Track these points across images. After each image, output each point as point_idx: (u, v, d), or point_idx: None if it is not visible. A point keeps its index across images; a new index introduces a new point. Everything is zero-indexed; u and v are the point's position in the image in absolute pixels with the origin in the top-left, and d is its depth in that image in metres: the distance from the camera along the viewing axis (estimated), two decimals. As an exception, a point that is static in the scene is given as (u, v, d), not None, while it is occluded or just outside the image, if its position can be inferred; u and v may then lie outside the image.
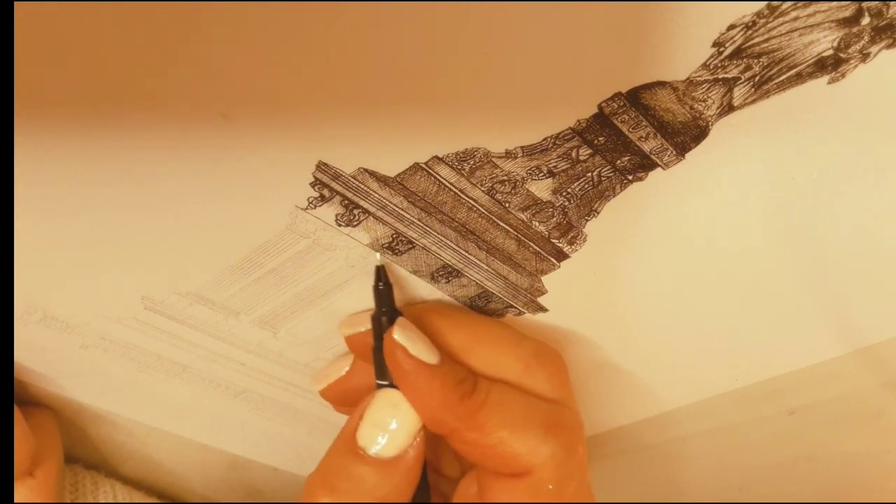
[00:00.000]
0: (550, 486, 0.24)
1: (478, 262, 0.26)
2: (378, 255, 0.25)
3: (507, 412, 0.25)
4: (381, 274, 0.25)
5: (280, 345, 0.29)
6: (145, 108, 0.20)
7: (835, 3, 0.18)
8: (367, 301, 0.27)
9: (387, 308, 0.25)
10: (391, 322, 0.25)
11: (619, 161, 0.22)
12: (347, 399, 0.28)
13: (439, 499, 0.29)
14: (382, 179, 0.22)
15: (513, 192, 0.23)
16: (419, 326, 0.25)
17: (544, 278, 0.26)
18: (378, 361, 0.25)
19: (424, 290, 0.27)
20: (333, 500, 0.24)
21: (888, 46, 0.19)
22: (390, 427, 0.24)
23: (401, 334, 0.24)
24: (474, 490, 0.27)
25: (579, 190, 0.23)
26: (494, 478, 0.25)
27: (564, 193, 0.23)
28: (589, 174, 0.23)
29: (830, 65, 0.19)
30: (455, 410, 0.24)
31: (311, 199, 0.23)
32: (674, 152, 0.22)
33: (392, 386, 0.25)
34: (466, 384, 0.24)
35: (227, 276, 0.26)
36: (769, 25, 0.18)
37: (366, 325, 0.26)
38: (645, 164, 0.22)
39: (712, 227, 0.24)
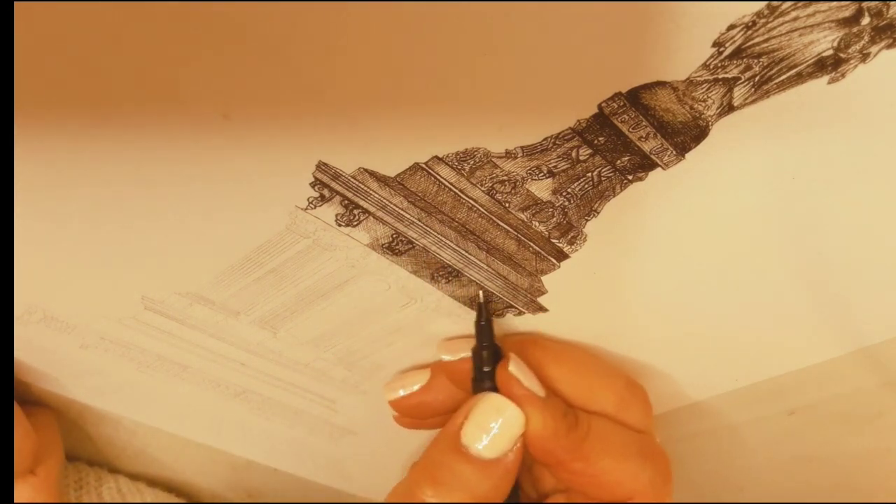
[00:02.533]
0: None
1: (478, 262, 0.26)
2: (481, 292, 0.27)
3: (608, 443, 0.26)
4: (482, 310, 0.27)
5: (280, 345, 0.29)
6: (145, 109, 0.20)
7: (835, 3, 0.18)
8: (367, 301, 0.27)
9: (488, 343, 0.27)
10: (491, 356, 0.27)
11: (619, 161, 0.22)
12: (415, 412, 0.30)
13: None
14: (382, 179, 0.22)
15: (513, 192, 0.23)
16: (522, 358, 0.27)
17: (544, 278, 0.26)
18: (476, 390, 0.27)
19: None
20: (436, 492, 0.25)
21: (888, 46, 0.19)
22: (493, 429, 0.25)
23: (515, 367, 0.26)
24: None
25: (579, 190, 0.23)
26: None
27: (564, 193, 0.23)
28: (589, 174, 0.23)
29: (830, 65, 0.19)
30: (563, 442, 0.25)
31: (311, 199, 0.23)
32: (674, 152, 0.22)
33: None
34: (570, 417, 0.26)
35: (227, 276, 0.26)
36: (769, 25, 0.18)
37: (464, 353, 0.28)
38: (645, 164, 0.22)
39: (712, 226, 0.24)
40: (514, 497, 0.27)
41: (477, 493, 0.25)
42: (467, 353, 0.28)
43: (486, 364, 0.27)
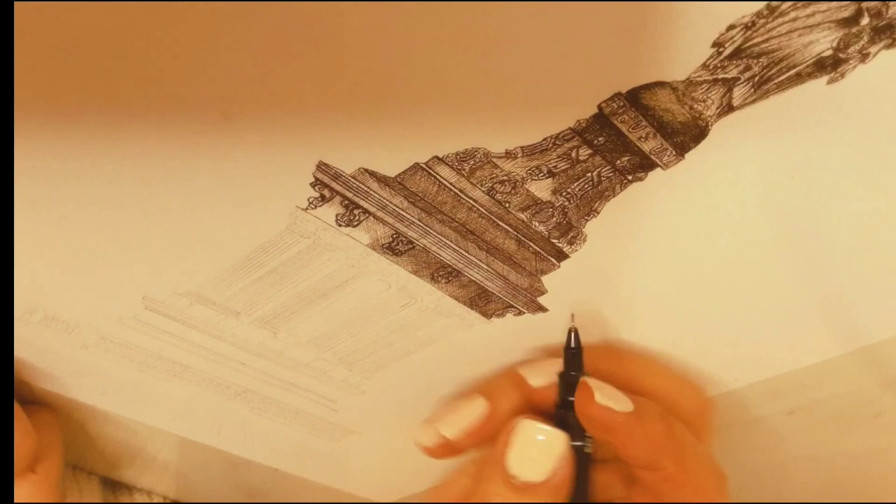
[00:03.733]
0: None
1: (478, 262, 0.26)
2: (573, 314, 0.27)
3: (689, 443, 0.27)
4: (573, 337, 0.27)
5: (280, 345, 0.29)
6: (146, 109, 0.20)
7: (834, 3, 0.18)
8: (368, 301, 0.27)
9: (576, 372, 0.27)
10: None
11: (618, 161, 0.22)
12: (483, 440, 0.29)
13: None
14: (382, 179, 0.22)
15: (513, 192, 0.23)
16: (598, 375, 0.27)
17: (544, 278, 0.26)
18: (559, 416, 0.27)
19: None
20: None
21: (887, 46, 0.19)
22: (537, 454, 0.26)
23: (602, 396, 0.26)
24: None
25: (579, 190, 0.23)
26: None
27: (564, 193, 0.23)
28: (589, 174, 0.23)
29: (830, 65, 0.19)
30: (667, 448, 0.26)
31: (311, 200, 0.23)
32: (673, 152, 0.22)
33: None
34: (668, 415, 0.26)
35: (227, 276, 0.26)
36: (769, 26, 0.18)
37: (551, 379, 0.28)
38: (645, 165, 0.22)
39: (712, 226, 0.24)
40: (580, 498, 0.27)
41: None
42: (554, 380, 0.28)
43: (573, 393, 0.27)
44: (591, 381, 0.26)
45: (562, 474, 0.26)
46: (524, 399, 0.29)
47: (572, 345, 0.27)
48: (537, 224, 0.24)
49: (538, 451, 0.26)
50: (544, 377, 0.28)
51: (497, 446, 0.27)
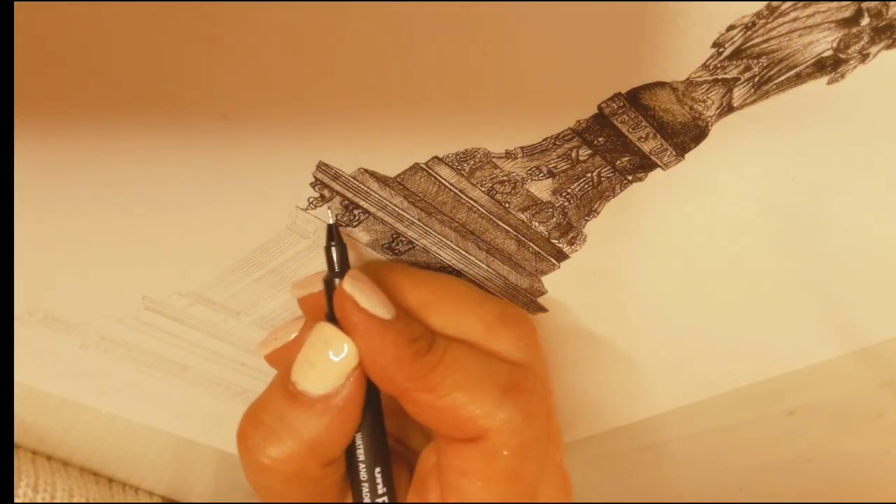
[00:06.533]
0: (505, 453, 0.23)
1: (478, 262, 0.26)
2: (329, 212, 0.23)
3: (464, 373, 0.23)
4: (332, 232, 0.23)
5: (280, 345, 0.29)
6: (145, 109, 0.20)
7: (834, 3, 0.18)
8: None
9: (340, 269, 0.23)
10: None
11: (618, 161, 0.22)
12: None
13: (405, 470, 0.27)
14: (382, 180, 0.22)
15: (513, 192, 0.23)
16: (376, 282, 0.24)
17: (544, 278, 0.26)
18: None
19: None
20: (259, 435, 0.23)
21: (888, 47, 0.19)
22: (321, 363, 0.23)
23: (351, 286, 0.23)
24: (433, 460, 0.25)
25: (579, 190, 0.23)
26: (448, 443, 0.24)
27: (564, 194, 0.23)
28: (589, 174, 0.23)
29: (830, 65, 0.19)
30: (406, 369, 0.22)
31: (311, 200, 0.23)
32: (673, 153, 0.22)
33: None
34: (421, 342, 0.23)
35: (227, 276, 0.26)
36: (769, 26, 0.18)
37: (318, 287, 0.25)
38: (645, 165, 0.22)
39: (712, 227, 0.24)
40: (377, 451, 0.24)
41: (305, 436, 0.23)
42: (320, 286, 0.24)
43: None
44: (355, 273, 0.23)
45: (346, 395, 0.23)
46: (309, 314, 0.26)
47: (332, 243, 0.23)
48: (537, 224, 0.24)
49: (324, 360, 0.23)
50: (307, 287, 0.25)
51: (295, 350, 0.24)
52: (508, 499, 0.23)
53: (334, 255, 0.23)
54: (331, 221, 0.23)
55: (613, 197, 0.23)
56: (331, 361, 0.23)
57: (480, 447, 0.23)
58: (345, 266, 0.24)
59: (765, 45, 0.19)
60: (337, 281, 0.23)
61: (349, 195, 0.23)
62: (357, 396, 0.23)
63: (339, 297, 0.23)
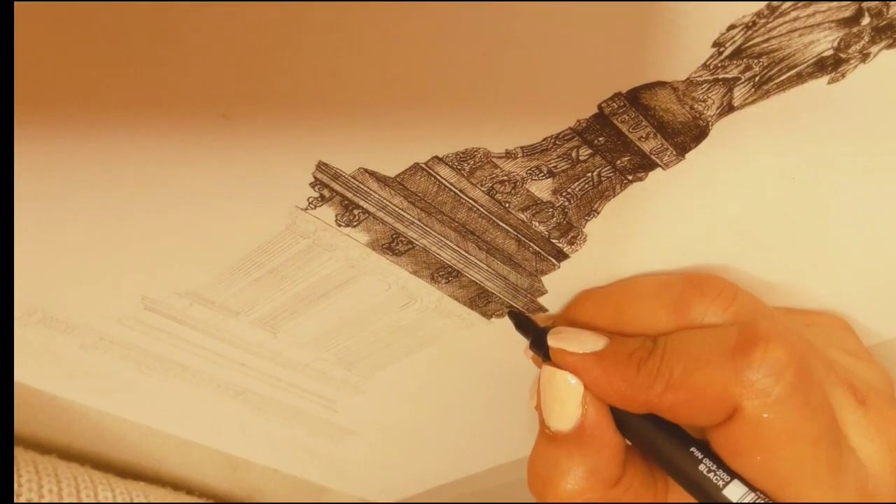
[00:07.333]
0: (766, 415, 0.22)
1: (478, 262, 0.26)
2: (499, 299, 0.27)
3: (687, 357, 0.23)
4: (513, 317, 0.28)
5: (280, 345, 0.29)
6: (145, 109, 0.20)
7: (835, 3, 0.18)
8: (367, 301, 0.27)
9: (537, 335, 0.26)
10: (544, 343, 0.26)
11: (619, 161, 0.22)
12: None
13: None
14: (382, 179, 0.22)
15: (513, 192, 0.23)
16: (573, 323, 0.26)
17: (544, 278, 0.26)
18: None
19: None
20: (539, 484, 0.25)
21: (888, 46, 0.19)
22: (555, 401, 0.25)
23: (556, 340, 0.25)
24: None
25: (579, 190, 0.23)
26: (712, 432, 0.23)
27: (564, 193, 0.23)
28: (589, 174, 0.23)
29: (830, 65, 0.19)
30: (636, 381, 0.23)
31: (310, 200, 0.23)
32: (674, 152, 0.22)
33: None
34: (640, 352, 0.24)
35: (227, 277, 0.26)
36: (769, 26, 0.18)
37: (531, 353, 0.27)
38: (645, 165, 0.22)
39: (712, 226, 0.24)
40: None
41: (578, 471, 0.24)
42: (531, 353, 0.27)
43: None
44: (556, 329, 0.25)
45: (592, 420, 0.24)
46: None
47: (519, 322, 0.27)
48: (537, 224, 0.24)
49: (555, 397, 0.25)
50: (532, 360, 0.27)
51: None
52: (798, 457, 0.22)
53: (528, 327, 0.27)
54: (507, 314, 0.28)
55: (614, 197, 0.23)
56: (561, 395, 0.24)
57: (739, 421, 0.22)
58: (537, 330, 0.26)
59: (765, 45, 0.19)
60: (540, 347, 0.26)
61: (349, 195, 0.23)
62: (601, 419, 0.24)
63: (554, 355, 0.25)
